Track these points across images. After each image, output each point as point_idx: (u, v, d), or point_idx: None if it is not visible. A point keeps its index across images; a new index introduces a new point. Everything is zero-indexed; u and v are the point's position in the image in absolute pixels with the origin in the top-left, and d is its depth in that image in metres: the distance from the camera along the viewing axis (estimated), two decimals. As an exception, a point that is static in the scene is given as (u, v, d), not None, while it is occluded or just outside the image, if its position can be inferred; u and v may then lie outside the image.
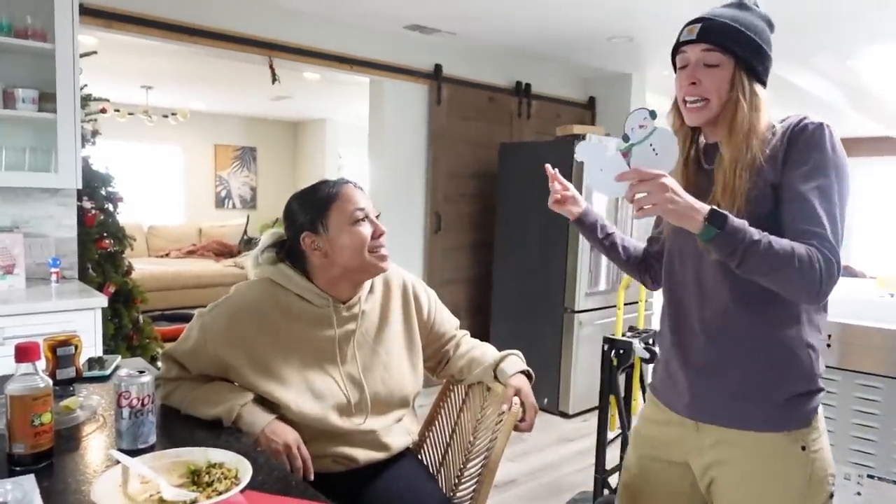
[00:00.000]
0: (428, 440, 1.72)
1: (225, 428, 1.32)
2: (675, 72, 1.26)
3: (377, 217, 1.48)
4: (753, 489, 1.22)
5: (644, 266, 1.52)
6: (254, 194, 8.77)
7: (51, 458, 1.12)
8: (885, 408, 1.68)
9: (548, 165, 1.46)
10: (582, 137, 3.88)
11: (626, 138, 1.12)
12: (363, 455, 1.44)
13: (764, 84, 1.22)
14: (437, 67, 4.28)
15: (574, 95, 5.17)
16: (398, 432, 1.51)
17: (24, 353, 1.09)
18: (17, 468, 1.09)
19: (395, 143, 4.18)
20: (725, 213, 1.09)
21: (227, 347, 1.38)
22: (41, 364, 1.19)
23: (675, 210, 1.08)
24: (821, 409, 1.25)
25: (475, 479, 1.50)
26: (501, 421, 1.47)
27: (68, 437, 1.24)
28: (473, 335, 1.71)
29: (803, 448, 1.20)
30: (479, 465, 1.49)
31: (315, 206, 1.44)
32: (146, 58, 5.01)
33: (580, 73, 5.13)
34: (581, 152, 1.21)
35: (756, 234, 1.09)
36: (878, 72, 5.00)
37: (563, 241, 3.94)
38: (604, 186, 1.15)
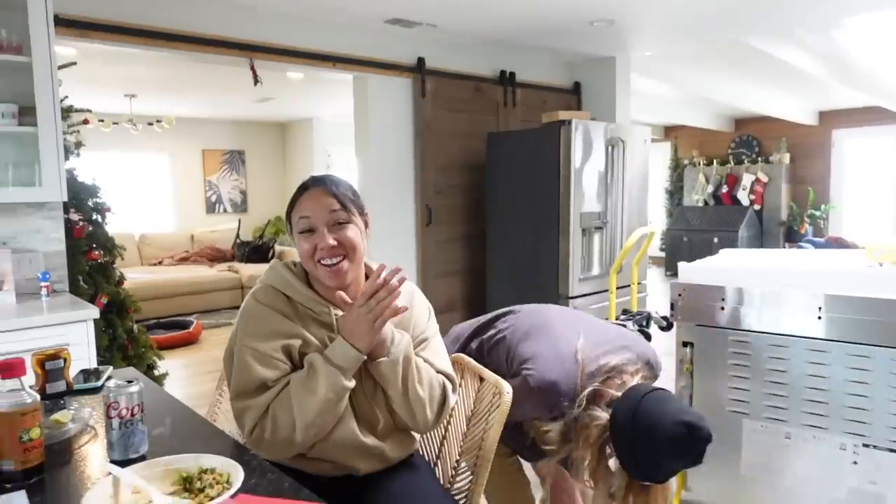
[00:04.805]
0: (424, 434, 1.71)
1: (216, 433, 1.31)
2: None
3: (342, 223, 1.35)
4: None
5: None
6: (244, 197, 8.75)
7: (41, 474, 1.12)
8: (877, 377, 1.68)
9: None
10: (568, 122, 3.87)
11: None
12: (365, 466, 1.40)
13: None
14: (420, 60, 4.26)
15: (559, 81, 5.16)
16: (403, 445, 1.46)
17: (8, 368, 1.08)
18: (8, 485, 1.08)
19: (381, 138, 4.17)
20: None
21: (271, 340, 1.32)
22: (29, 379, 1.18)
23: None
24: None
25: (471, 470, 1.50)
26: (497, 408, 1.46)
27: (60, 451, 1.24)
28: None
29: None
30: (474, 455, 1.49)
31: (288, 208, 1.41)
32: (127, 66, 4.97)
33: (564, 59, 5.11)
34: None
35: None
36: (861, 42, 4.99)
37: (554, 228, 3.94)
38: None
